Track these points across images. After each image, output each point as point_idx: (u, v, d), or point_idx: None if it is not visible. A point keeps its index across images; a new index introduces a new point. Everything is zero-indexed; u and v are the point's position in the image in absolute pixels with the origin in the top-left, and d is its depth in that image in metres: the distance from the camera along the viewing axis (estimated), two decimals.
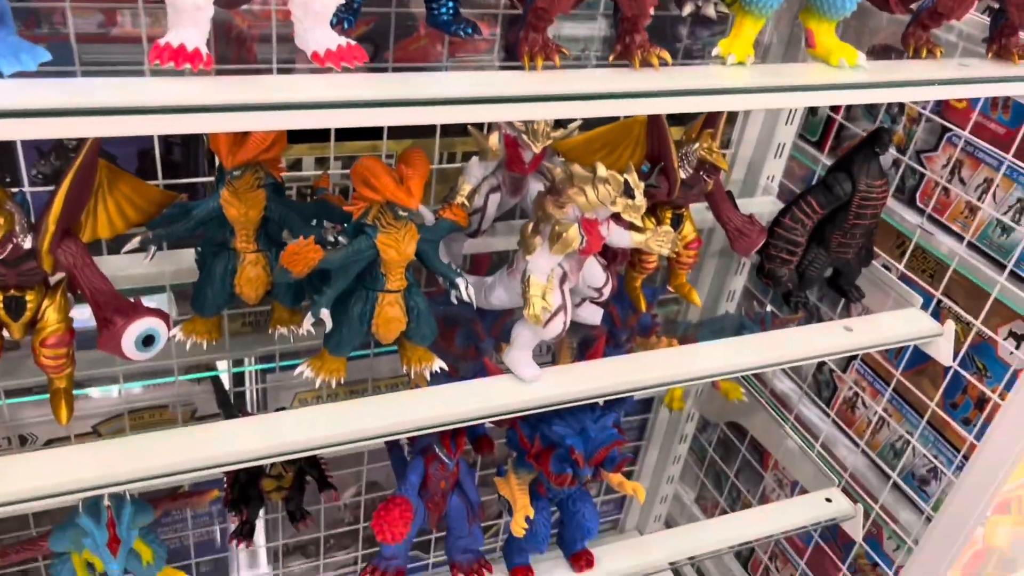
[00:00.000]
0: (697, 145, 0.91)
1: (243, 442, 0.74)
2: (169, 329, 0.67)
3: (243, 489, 0.97)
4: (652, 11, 0.69)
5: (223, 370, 1.18)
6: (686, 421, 1.59)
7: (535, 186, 0.97)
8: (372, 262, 0.75)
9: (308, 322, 0.74)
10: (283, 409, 0.98)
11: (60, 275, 0.69)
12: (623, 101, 0.68)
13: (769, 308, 1.24)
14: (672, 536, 1.16)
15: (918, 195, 1.23)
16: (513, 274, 0.87)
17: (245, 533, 1.01)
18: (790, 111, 1.22)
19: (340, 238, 0.74)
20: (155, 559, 0.85)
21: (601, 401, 0.97)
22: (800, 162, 1.38)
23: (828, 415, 1.40)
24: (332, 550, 1.45)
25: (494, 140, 0.92)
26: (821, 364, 1.43)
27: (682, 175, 0.91)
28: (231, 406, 1.15)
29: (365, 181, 0.70)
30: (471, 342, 1.02)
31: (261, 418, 0.82)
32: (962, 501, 1.07)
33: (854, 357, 1.35)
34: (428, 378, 0.83)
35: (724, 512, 1.64)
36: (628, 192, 0.76)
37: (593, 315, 0.93)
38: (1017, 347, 1.10)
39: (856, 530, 1.23)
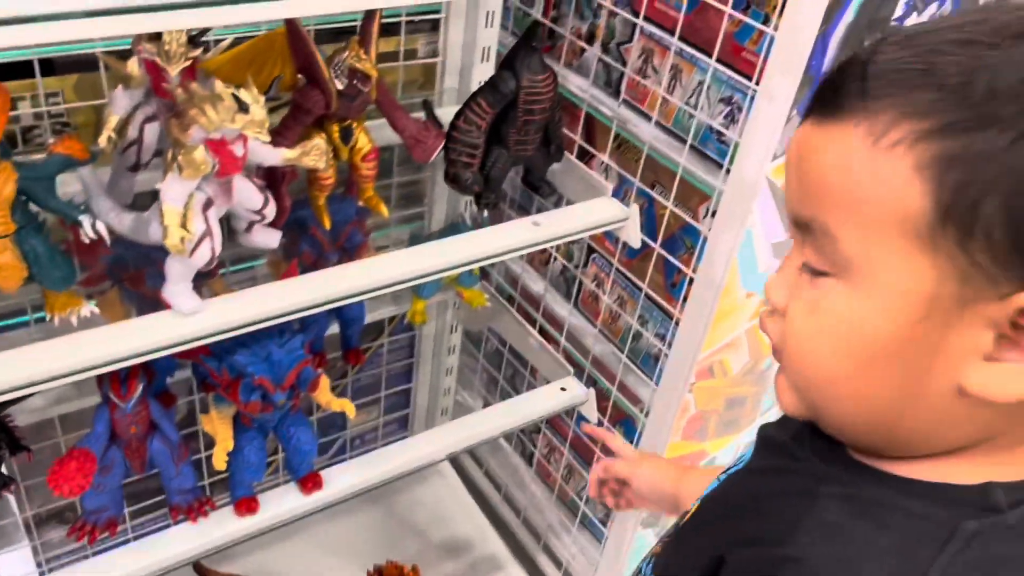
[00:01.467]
0: (346, 55, 0.89)
1: None
2: None
3: None
4: None
5: None
6: (450, 333, 1.62)
7: None
8: None
9: None
10: None
11: None
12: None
13: (486, 214, 1.26)
14: (402, 448, 1.16)
15: (623, 86, 1.27)
16: None
17: None
18: (487, 14, 1.22)
19: None
20: None
21: (296, 324, 0.96)
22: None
23: (576, 309, 1.45)
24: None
25: (133, 65, 0.87)
26: (550, 260, 1.47)
27: (339, 86, 0.89)
28: None
29: None
30: (159, 281, 0.98)
31: None
32: (672, 371, 1.14)
33: (593, 250, 1.40)
34: (74, 323, 0.80)
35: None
36: (243, 108, 0.74)
37: (268, 239, 0.91)
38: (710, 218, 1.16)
39: (591, 412, 1.29)
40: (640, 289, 1.33)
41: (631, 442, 1.33)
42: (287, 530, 1.24)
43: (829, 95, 0.46)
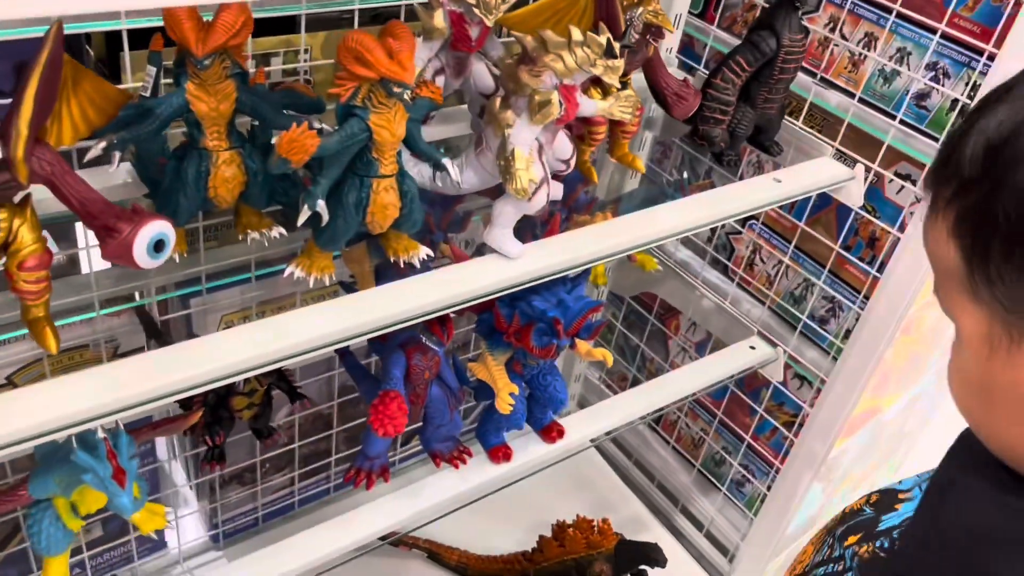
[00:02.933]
0: (642, 10, 0.92)
1: (228, 355, 0.70)
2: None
3: (213, 411, 0.92)
4: None
5: (146, 299, 1.10)
6: (596, 298, 1.65)
7: (478, 66, 0.95)
8: (364, 147, 0.72)
9: (304, 215, 0.71)
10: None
11: (25, 192, 0.61)
12: None
13: (685, 174, 1.30)
14: (607, 408, 1.20)
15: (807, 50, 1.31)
16: (483, 153, 0.86)
17: (217, 456, 0.97)
18: None
19: (323, 127, 0.70)
20: (140, 494, 0.80)
21: (570, 274, 0.99)
22: (687, 35, 1.43)
23: (731, 276, 1.50)
24: (268, 474, 1.41)
25: (439, 18, 0.89)
26: (714, 229, 1.52)
27: (629, 40, 0.92)
28: (161, 335, 1.08)
29: (358, 57, 0.67)
30: (423, 235, 1.00)
31: (240, 329, 0.77)
32: (874, 325, 1.19)
33: (753, 217, 1.44)
34: (417, 266, 0.82)
35: (636, 383, 1.74)
36: (610, 52, 0.77)
37: (557, 191, 0.94)
38: (902, 188, 1.21)
39: (777, 373, 1.34)
40: (809, 255, 1.38)
41: (807, 400, 1.38)
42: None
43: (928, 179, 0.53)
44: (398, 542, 1.43)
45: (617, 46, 0.78)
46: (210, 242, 1.10)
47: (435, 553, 1.44)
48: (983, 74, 1.08)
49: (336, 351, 1.07)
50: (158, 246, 0.60)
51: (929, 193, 0.51)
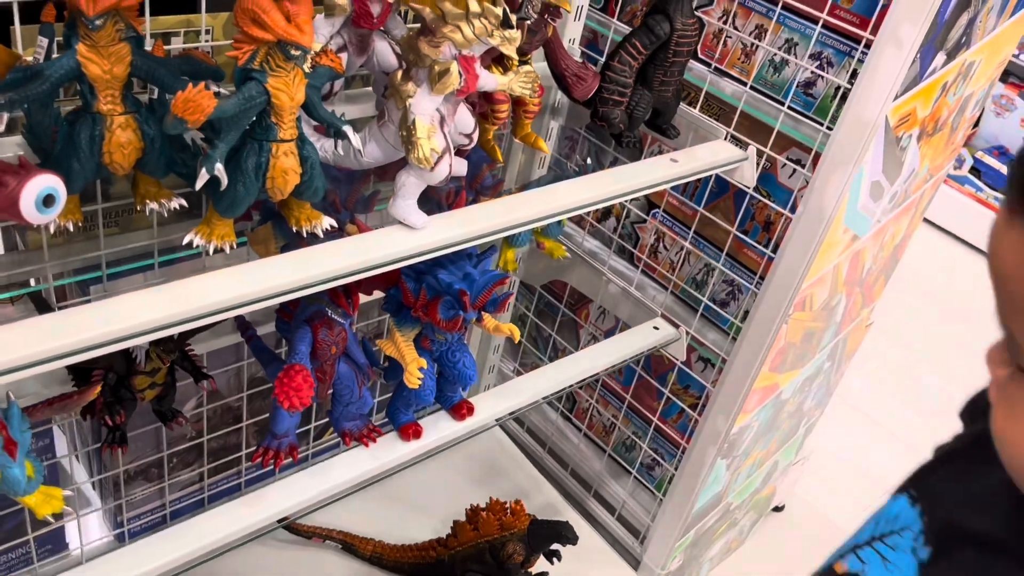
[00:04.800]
0: None
1: (125, 319, 0.70)
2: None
3: (114, 390, 0.90)
4: None
5: (43, 285, 1.06)
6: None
7: (380, 44, 0.97)
8: (262, 111, 0.72)
9: (202, 179, 0.70)
10: None
11: None
12: None
13: (589, 161, 1.33)
14: (516, 386, 1.22)
15: (699, 48, 1.37)
16: (385, 125, 0.88)
17: (119, 440, 0.94)
18: None
19: (220, 91, 0.70)
20: (35, 473, 0.78)
21: (478, 250, 1.01)
22: (588, 27, 1.47)
23: (636, 263, 1.54)
24: (176, 469, 1.38)
25: None
26: (620, 219, 1.56)
27: (527, 21, 0.95)
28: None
29: (255, 19, 0.67)
30: (330, 214, 1.00)
31: (139, 293, 0.75)
32: (770, 303, 1.24)
33: (654, 206, 1.49)
34: (320, 236, 0.82)
35: None
36: (507, 23, 0.79)
37: (461, 167, 0.96)
38: (793, 172, 1.27)
39: (680, 352, 1.38)
40: (709, 240, 1.43)
41: (711, 381, 1.43)
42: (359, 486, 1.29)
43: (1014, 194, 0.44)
44: (311, 534, 1.41)
45: (514, 18, 0.80)
46: (111, 228, 1.08)
47: (350, 544, 1.43)
48: (861, 61, 1.15)
49: (242, 333, 1.07)
50: (47, 201, 0.59)
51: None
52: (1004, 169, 3.22)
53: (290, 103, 0.72)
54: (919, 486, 0.62)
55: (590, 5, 1.42)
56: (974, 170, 3.28)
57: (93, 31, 0.67)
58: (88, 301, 1.10)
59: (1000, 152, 3.26)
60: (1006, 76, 3.23)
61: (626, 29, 1.44)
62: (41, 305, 1.03)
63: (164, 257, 1.12)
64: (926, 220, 3.33)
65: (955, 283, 3.06)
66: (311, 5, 0.71)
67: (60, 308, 1.07)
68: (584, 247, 1.58)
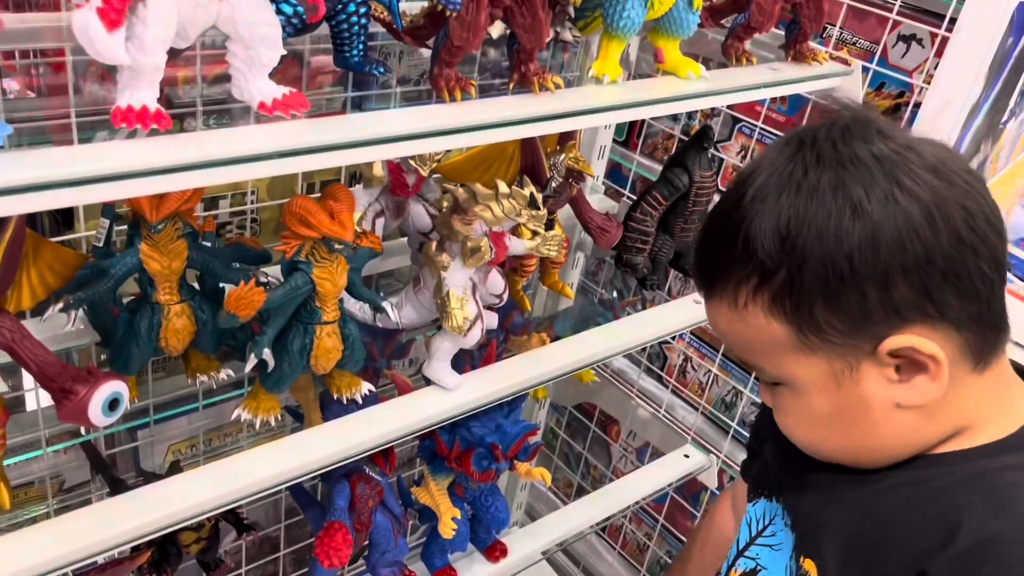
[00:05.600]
0: (564, 156, 1.00)
1: (177, 502, 0.73)
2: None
3: (161, 547, 0.94)
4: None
5: (92, 434, 1.11)
6: (538, 410, 1.70)
7: (415, 208, 1.03)
8: (307, 298, 0.77)
9: (251, 363, 0.75)
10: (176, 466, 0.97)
11: None
12: (531, 125, 0.76)
13: (615, 293, 1.38)
14: (553, 521, 1.24)
15: (720, 180, 1.42)
16: (420, 291, 0.93)
17: None
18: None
19: (269, 279, 0.76)
20: None
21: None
22: (612, 161, 1.54)
23: (665, 384, 1.57)
24: None
25: (378, 168, 0.96)
26: None
27: (553, 184, 1.01)
28: (107, 468, 1.09)
29: (302, 220, 0.73)
30: (367, 364, 1.05)
31: (203, 470, 0.80)
32: None
33: None
34: (360, 401, 0.86)
35: (581, 489, 1.78)
36: (533, 204, 0.84)
37: (492, 320, 1.00)
38: None
39: (711, 479, 1.39)
40: (735, 362, 1.46)
41: None
42: None
43: (700, 280, 0.68)
44: None
45: (540, 197, 0.86)
46: (157, 373, 1.14)
47: None
48: None
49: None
50: (112, 404, 0.64)
51: (720, 295, 0.64)
52: None
53: (334, 290, 0.77)
54: (768, 486, 0.80)
55: (613, 140, 1.49)
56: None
57: (155, 233, 0.73)
58: (136, 447, 1.15)
59: None
60: None
61: (646, 162, 1.50)
62: (91, 453, 1.08)
63: (208, 401, 1.17)
64: None
65: None
66: (354, 202, 0.77)
67: (108, 455, 1.12)
68: (613, 366, 1.61)
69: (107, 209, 0.80)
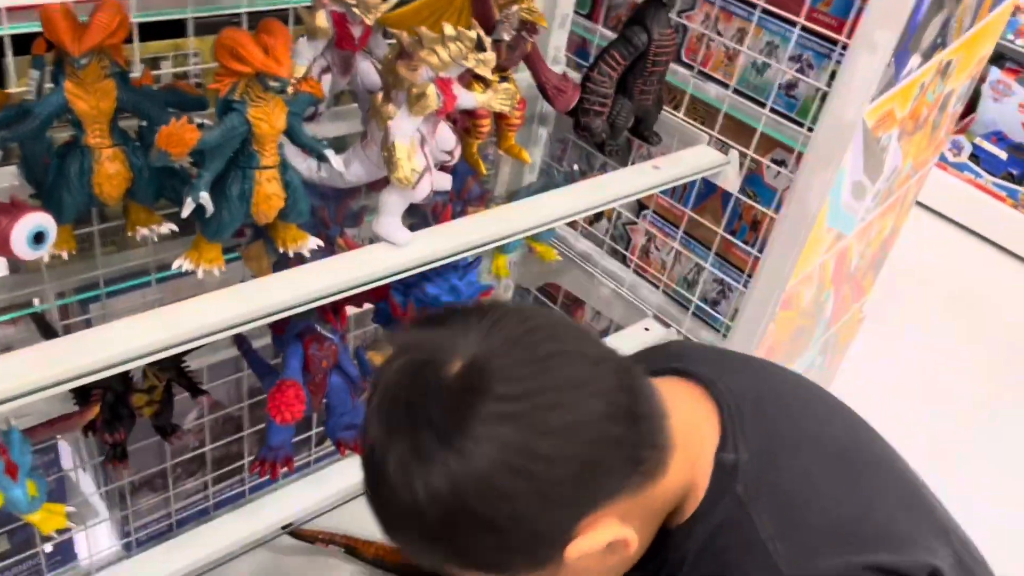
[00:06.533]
0: (517, 7, 0.97)
1: (121, 344, 0.72)
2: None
3: (112, 409, 0.93)
4: None
5: (44, 305, 1.10)
6: (503, 292, 1.70)
7: (363, 64, 0.99)
8: (244, 140, 0.75)
9: (188, 208, 0.73)
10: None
11: None
12: None
13: (576, 167, 1.36)
14: None
15: (683, 51, 1.39)
16: (368, 145, 0.90)
17: (119, 455, 0.97)
18: None
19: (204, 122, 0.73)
20: (39, 492, 0.81)
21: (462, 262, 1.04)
22: (576, 34, 1.49)
23: (628, 264, 1.57)
24: (180, 479, 1.42)
25: (322, 18, 0.92)
26: (612, 220, 1.58)
27: (506, 37, 0.97)
28: None
29: (233, 53, 0.70)
30: (318, 230, 1.03)
31: (134, 318, 0.78)
32: (757, 302, 1.26)
33: (644, 207, 1.51)
34: (307, 255, 0.85)
35: None
36: (480, 47, 0.81)
37: (444, 181, 0.98)
38: (778, 173, 1.29)
39: None
40: (699, 241, 1.45)
41: None
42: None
43: None
44: (316, 539, 1.44)
45: (488, 41, 0.83)
46: (108, 247, 1.11)
47: (353, 548, 1.46)
48: (840, 63, 1.17)
49: (239, 347, 1.10)
50: (38, 238, 0.62)
51: None
52: (1003, 155, 3.22)
53: (271, 131, 0.75)
54: None
55: (575, 12, 1.44)
56: (973, 156, 3.28)
57: (79, 69, 0.70)
58: (88, 319, 1.14)
59: (998, 138, 3.25)
60: (1003, 62, 3.23)
61: (612, 35, 1.46)
62: (43, 325, 1.07)
63: (160, 274, 1.15)
64: (925, 207, 3.34)
65: (956, 269, 3.07)
66: (289, 37, 0.74)
67: (63, 327, 1.10)
68: (576, 249, 1.61)
69: (36, 59, 0.76)
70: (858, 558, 0.66)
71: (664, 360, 0.81)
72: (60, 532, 0.83)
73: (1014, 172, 3.20)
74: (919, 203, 3.35)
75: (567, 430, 0.59)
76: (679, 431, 0.68)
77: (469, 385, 0.58)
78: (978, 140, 3.27)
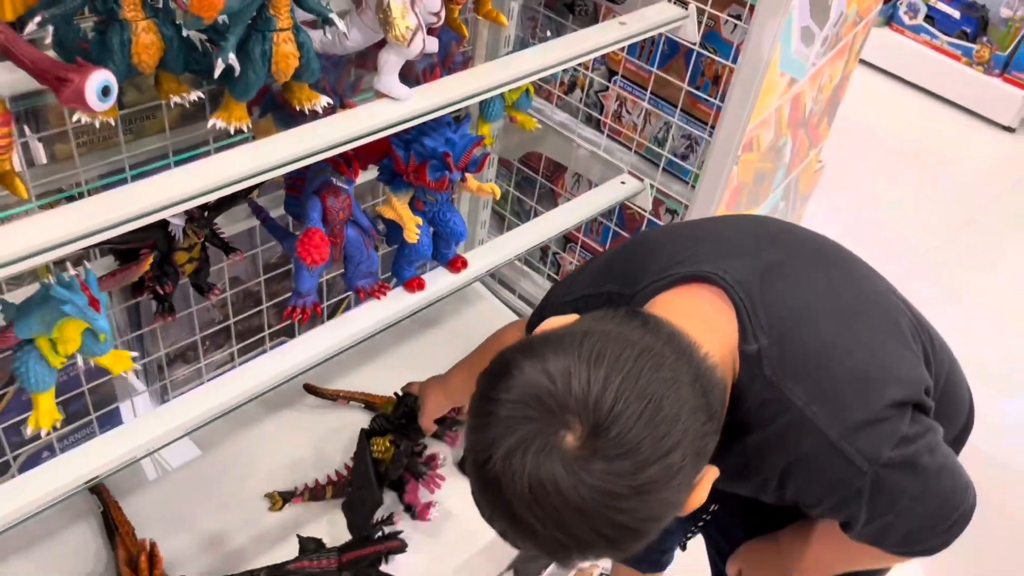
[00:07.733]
0: None
1: (164, 191, 0.84)
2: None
3: (160, 266, 1.06)
4: None
5: (72, 191, 1.21)
6: (488, 166, 1.81)
7: None
8: (262, 5, 0.85)
9: (219, 68, 0.84)
10: None
11: None
12: None
13: (548, 33, 1.46)
14: (502, 242, 1.37)
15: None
16: (363, 12, 1.00)
17: (168, 309, 1.11)
18: None
19: None
20: (108, 336, 0.94)
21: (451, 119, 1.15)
22: None
23: (602, 129, 1.68)
24: (209, 351, 1.56)
25: None
26: (584, 89, 1.69)
27: None
28: None
29: None
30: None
31: (179, 170, 0.89)
32: (720, 148, 1.39)
33: (614, 73, 1.62)
34: (320, 112, 0.96)
35: None
36: None
37: (432, 44, 1.09)
38: (735, 27, 1.40)
39: (647, 202, 1.54)
40: (666, 100, 1.57)
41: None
42: (363, 352, 1.51)
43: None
44: (336, 396, 1.60)
45: None
46: (127, 136, 1.22)
47: (371, 402, 1.61)
48: None
49: (257, 216, 1.22)
50: (105, 91, 0.73)
51: None
52: (956, 14, 3.31)
53: None
54: None
55: None
56: (928, 18, 3.37)
57: None
58: None
59: None
60: None
61: None
62: None
63: (178, 156, 1.26)
64: (883, 70, 3.44)
65: (912, 126, 3.20)
66: None
67: None
68: (554, 119, 1.72)
69: None
70: (879, 401, 0.77)
71: (670, 266, 0.87)
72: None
73: (967, 30, 3.30)
74: (877, 67, 3.46)
75: (680, 445, 0.68)
76: (712, 348, 0.75)
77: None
78: (933, 1, 3.36)
